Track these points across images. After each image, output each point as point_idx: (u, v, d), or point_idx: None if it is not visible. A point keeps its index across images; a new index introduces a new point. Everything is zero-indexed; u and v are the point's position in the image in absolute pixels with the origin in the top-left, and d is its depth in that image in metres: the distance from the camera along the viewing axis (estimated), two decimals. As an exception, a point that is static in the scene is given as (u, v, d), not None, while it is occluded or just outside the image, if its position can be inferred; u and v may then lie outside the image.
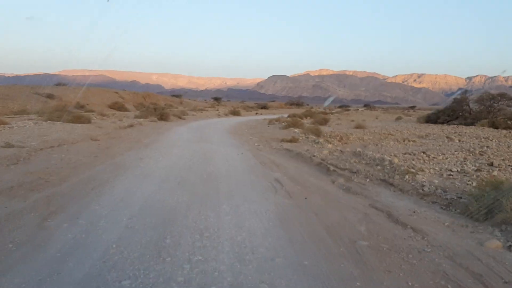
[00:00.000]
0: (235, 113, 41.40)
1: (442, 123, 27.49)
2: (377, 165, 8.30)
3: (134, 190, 5.95)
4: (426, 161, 9.20)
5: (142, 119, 23.59)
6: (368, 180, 7.50)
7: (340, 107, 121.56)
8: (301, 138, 14.67)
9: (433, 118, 28.65)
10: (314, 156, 10.38)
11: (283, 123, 21.64)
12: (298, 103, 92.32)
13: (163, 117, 25.44)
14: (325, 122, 23.29)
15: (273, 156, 10.78)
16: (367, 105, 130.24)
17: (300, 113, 33.26)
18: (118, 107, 45.44)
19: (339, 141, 14.22)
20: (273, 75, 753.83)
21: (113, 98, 51.27)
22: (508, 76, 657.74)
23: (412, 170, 7.30)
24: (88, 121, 16.66)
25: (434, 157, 9.63)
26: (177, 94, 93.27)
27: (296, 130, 17.57)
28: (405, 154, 10.28)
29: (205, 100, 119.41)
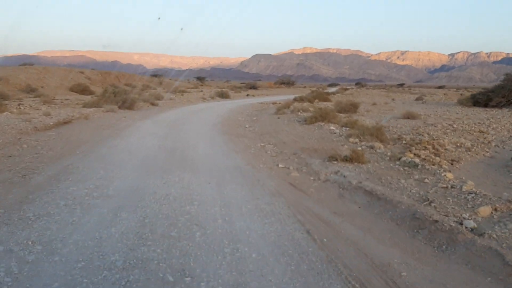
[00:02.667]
0: (223, 95, 34.15)
1: (496, 106, 21.08)
2: None
3: None
4: None
5: (93, 109, 16.39)
6: None
7: (329, 85, 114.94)
8: (359, 147, 7.87)
9: (482, 100, 22.18)
10: (481, 234, 3.62)
11: (299, 113, 14.79)
12: (288, 82, 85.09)
13: (126, 104, 18.23)
14: (354, 108, 16.50)
15: (362, 233, 3.99)
16: (358, 83, 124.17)
17: (307, 96, 26.33)
18: (81, 89, 37.80)
19: (435, 154, 7.49)
20: (257, 54, 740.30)
21: (77, 79, 43.32)
22: (491, 52, 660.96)
23: None
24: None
25: None
26: (156, 74, 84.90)
27: (333, 127, 10.75)
28: None
29: (187, 80, 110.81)
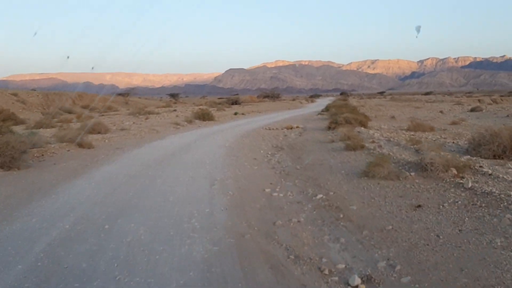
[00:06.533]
0: (204, 116, 24.05)
1: None
2: None
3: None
4: None
5: None
6: None
7: (311, 96, 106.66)
8: None
9: None
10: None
11: (471, 180, 5.02)
12: (273, 95, 75.71)
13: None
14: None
15: None
16: (343, 93, 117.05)
17: (338, 114, 16.68)
18: (3, 118, 26.62)
19: None
20: (230, 69, 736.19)
21: (4, 103, 32.41)
22: (458, 57, 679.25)
23: None
24: None
25: None
26: (122, 93, 73.78)
27: None
28: None
29: (160, 98, 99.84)
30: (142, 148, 11.57)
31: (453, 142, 9.02)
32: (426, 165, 5.50)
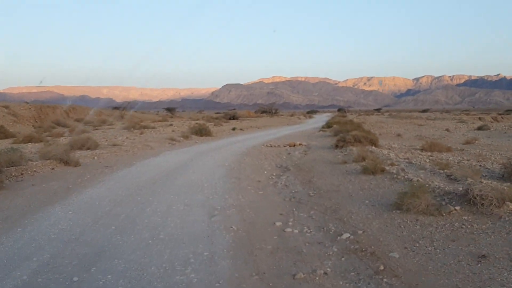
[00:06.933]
0: (201, 131, 23.05)
1: None
2: None
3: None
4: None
5: None
6: None
7: (308, 112, 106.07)
8: None
9: None
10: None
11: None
12: (270, 111, 75.02)
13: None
14: None
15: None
16: (340, 110, 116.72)
17: (344, 131, 15.81)
18: (-13, 131, 25.60)
19: None
20: (227, 84, 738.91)
21: (-5, 115, 31.30)
22: (453, 75, 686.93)
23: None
24: None
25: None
26: (117, 106, 72.80)
27: None
28: None
29: (157, 112, 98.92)
30: (133, 166, 10.53)
31: (480, 166, 8.07)
32: (475, 198, 4.52)
